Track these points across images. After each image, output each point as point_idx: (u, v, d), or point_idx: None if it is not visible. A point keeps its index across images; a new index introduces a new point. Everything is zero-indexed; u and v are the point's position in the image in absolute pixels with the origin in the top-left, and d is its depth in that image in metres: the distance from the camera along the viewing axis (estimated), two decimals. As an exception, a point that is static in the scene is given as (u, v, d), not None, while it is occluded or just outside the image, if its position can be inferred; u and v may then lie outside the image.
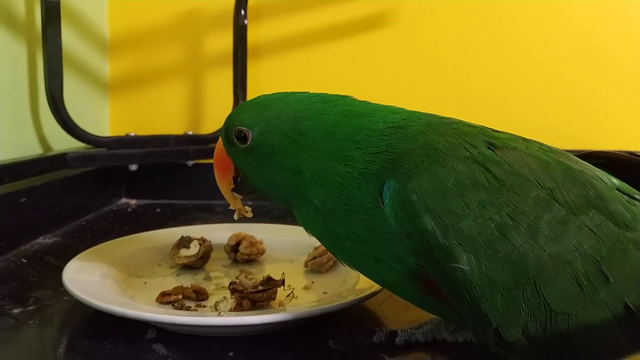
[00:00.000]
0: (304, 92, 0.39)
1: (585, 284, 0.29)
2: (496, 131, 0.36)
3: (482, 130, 0.35)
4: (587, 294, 0.29)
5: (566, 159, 0.34)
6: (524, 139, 0.36)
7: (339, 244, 0.35)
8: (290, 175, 0.36)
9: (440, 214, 0.30)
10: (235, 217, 0.44)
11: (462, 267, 0.29)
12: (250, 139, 0.37)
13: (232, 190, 0.41)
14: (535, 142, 0.36)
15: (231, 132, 0.38)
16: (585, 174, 0.33)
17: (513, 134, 0.36)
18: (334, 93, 0.39)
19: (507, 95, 0.92)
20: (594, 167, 0.35)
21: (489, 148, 0.33)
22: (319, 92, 0.39)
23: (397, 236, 0.32)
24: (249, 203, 0.46)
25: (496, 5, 0.91)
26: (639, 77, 0.89)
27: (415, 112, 0.37)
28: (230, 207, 0.43)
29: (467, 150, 0.32)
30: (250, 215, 0.44)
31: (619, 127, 0.91)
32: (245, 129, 0.37)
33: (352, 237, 0.34)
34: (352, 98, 0.38)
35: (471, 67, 0.92)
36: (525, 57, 0.91)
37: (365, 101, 0.38)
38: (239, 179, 0.41)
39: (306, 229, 0.38)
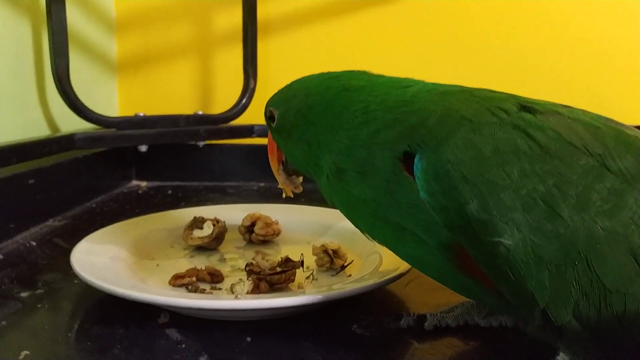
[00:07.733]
0: (329, 72, 0.40)
1: None
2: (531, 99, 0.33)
3: (513, 96, 0.32)
4: None
5: (617, 124, 0.31)
6: (566, 106, 0.33)
7: (358, 211, 0.35)
8: (305, 147, 0.38)
9: (479, 184, 0.27)
10: (283, 195, 0.46)
11: (505, 241, 0.27)
12: (276, 118, 0.40)
13: (281, 170, 0.44)
14: (579, 109, 0.33)
15: (266, 113, 0.42)
16: None
17: (551, 102, 0.33)
18: (349, 69, 0.39)
19: (529, 54, 0.88)
20: None
21: (529, 112, 0.30)
22: (340, 69, 0.40)
23: (427, 208, 0.29)
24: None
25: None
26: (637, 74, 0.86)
27: (430, 84, 0.36)
28: (279, 186, 0.45)
29: (494, 114, 0.29)
30: (291, 194, 0.45)
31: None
32: (272, 108, 0.41)
33: (368, 201, 0.33)
34: (365, 73, 0.39)
35: (485, 34, 0.89)
36: (550, 18, 0.87)
37: (378, 75, 0.38)
38: (284, 160, 0.43)
39: (327, 200, 0.38)
